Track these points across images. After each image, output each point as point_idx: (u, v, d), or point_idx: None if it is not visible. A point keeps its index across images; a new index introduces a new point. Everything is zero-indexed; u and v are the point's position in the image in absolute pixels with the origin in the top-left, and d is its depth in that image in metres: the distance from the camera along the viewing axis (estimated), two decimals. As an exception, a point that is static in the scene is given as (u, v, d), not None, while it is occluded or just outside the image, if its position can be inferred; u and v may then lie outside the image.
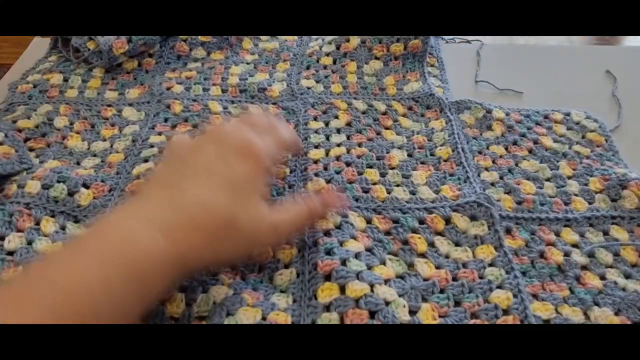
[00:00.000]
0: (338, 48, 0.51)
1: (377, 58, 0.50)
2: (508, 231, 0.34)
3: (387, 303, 0.29)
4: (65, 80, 0.46)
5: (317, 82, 0.48)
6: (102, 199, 0.35)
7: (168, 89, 0.46)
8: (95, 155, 0.39)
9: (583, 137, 0.42)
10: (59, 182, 0.35)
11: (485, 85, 0.49)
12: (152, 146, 0.40)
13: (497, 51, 0.53)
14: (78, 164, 0.39)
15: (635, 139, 0.43)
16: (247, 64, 0.50)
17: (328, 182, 0.37)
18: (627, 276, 0.32)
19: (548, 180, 0.38)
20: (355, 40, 0.50)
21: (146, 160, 0.39)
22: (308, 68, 0.50)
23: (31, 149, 0.39)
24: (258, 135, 0.31)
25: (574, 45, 0.58)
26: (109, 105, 0.44)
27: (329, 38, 0.52)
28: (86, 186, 0.36)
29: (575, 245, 0.34)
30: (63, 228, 0.33)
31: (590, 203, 0.36)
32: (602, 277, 0.32)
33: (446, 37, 0.55)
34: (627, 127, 0.44)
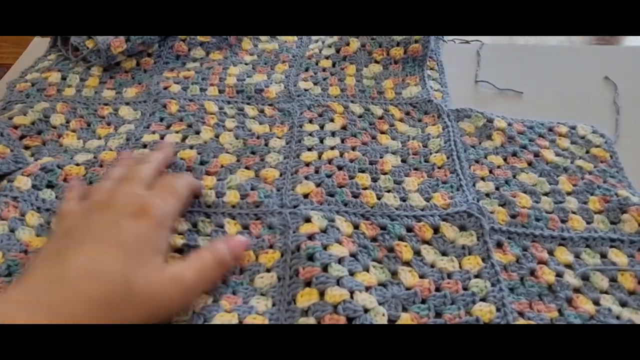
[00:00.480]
0: (338, 51, 0.51)
1: (376, 62, 0.50)
2: (499, 245, 0.34)
3: (366, 310, 0.29)
4: (64, 78, 0.47)
5: (315, 84, 0.48)
6: None
7: (165, 88, 0.47)
8: (89, 152, 0.40)
9: (587, 152, 0.41)
10: (47, 187, 0.36)
11: (485, 85, 0.49)
12: (144, 146, 0.41)
13: (497, 51, 0.54)
14: (71, 159, 0.40)
15: (635, 138, 0.43)
16: (246, 64, 0.50)
17: (318, 185, 0.37)
18: (623, 304, 0.31)
19: (546, 194, 0.38)
20: (355, 44, 0.51)
21: None
22: (307, 70, 0.50)
23: (27, 147, 0.40)
24: (150, 191, 0.31)
25: (574, 45, 0.58)
26: (106, 104, 0.45)
27: (329, 41, 0.52)
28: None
29: (569, 266, 0.33)
30: (48, 223, 0.34)
31: (588, 223, 0.36)
32: (596, 302, 0.31)
33: (446, 38, 0.55)
34: (627, 129, 0.44)
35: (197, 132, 0.42)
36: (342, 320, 0.28)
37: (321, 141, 0.42)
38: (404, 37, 0.50)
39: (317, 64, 0.51)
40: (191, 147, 0.41)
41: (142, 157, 0.36)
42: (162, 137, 0.42)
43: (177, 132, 0.42)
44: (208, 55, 0.51)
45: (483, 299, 0.30)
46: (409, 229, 0.34)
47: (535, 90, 0.48)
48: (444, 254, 0.33)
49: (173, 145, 0.39)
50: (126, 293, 0.25)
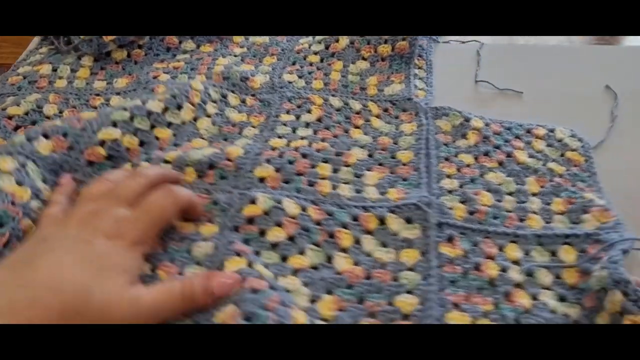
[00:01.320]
0: (327, 48, 0.52)
1: (364, 59, 0.51)
2: (450, 239, 0.34)
3: (288, 291, 0.30)
4: (54, 70, 0.50)
5: (300, 77, 0.50)
6: (60, 154, 0.37)
7: (154, 77, 0.49)
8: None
9: (562, 155, 0.41)
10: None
11: (485, 85, 0.49)
12: (125, 109, 0.40)
13: (497, 51, 0.54)
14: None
15: (634, 138, 0.43)
16: (235, 56, 0.53)
17: (277, 170, 0.38)
18: (562, 298, 0.30)
19: (510, 194, 0.38)
20: (344, 41, 0.52)
21: (115, 125, 0.39)
22: (294, 64, 0.52)
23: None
24: (131, 213, 0.31)
25: (574, 45, 0.57)
26: (97, 95, 0.48)
27: (319, 37, 0.54)
28: (46, 136, 0.37)
29: (516, 262, 0.33)
30: (23, 166, 0.35)
31: (547, 222, 0.35)
32: (534, 297, 0.30)
33: (445, 38, 0.56)
34: (627, 129, 0.44)
35: (179, 107, 0.42)
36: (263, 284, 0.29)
37: (294, 131, 0.43)
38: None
39: (305, 58, 0.52)
40: (169, 125, 0.42)
41: (136, 172, 0.35)
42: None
43: (159, 100, 0.42)
44: (199, 48, 0.54)
45: (409, 292, 0.30)
46: (355, 218, 0.35)
47: (535, 90, 0.48)
48: (384, 245, 0.33)
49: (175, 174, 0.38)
50: (82, 307, 0.26)
